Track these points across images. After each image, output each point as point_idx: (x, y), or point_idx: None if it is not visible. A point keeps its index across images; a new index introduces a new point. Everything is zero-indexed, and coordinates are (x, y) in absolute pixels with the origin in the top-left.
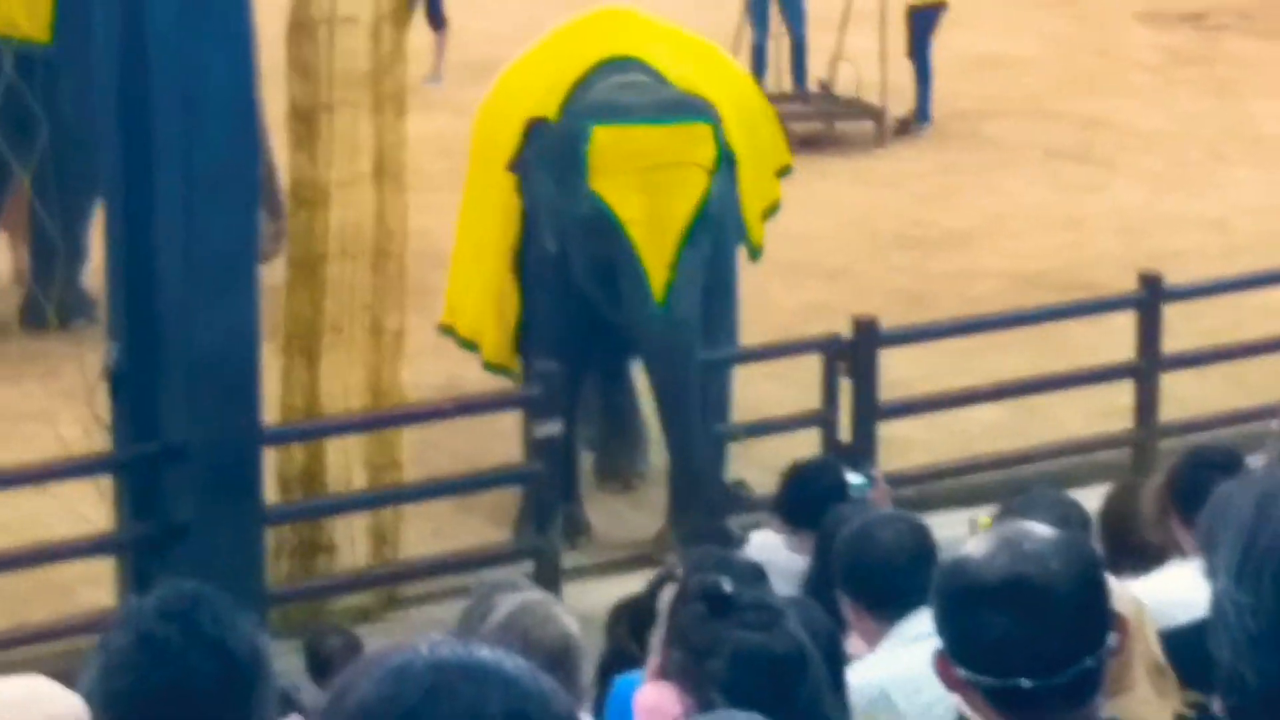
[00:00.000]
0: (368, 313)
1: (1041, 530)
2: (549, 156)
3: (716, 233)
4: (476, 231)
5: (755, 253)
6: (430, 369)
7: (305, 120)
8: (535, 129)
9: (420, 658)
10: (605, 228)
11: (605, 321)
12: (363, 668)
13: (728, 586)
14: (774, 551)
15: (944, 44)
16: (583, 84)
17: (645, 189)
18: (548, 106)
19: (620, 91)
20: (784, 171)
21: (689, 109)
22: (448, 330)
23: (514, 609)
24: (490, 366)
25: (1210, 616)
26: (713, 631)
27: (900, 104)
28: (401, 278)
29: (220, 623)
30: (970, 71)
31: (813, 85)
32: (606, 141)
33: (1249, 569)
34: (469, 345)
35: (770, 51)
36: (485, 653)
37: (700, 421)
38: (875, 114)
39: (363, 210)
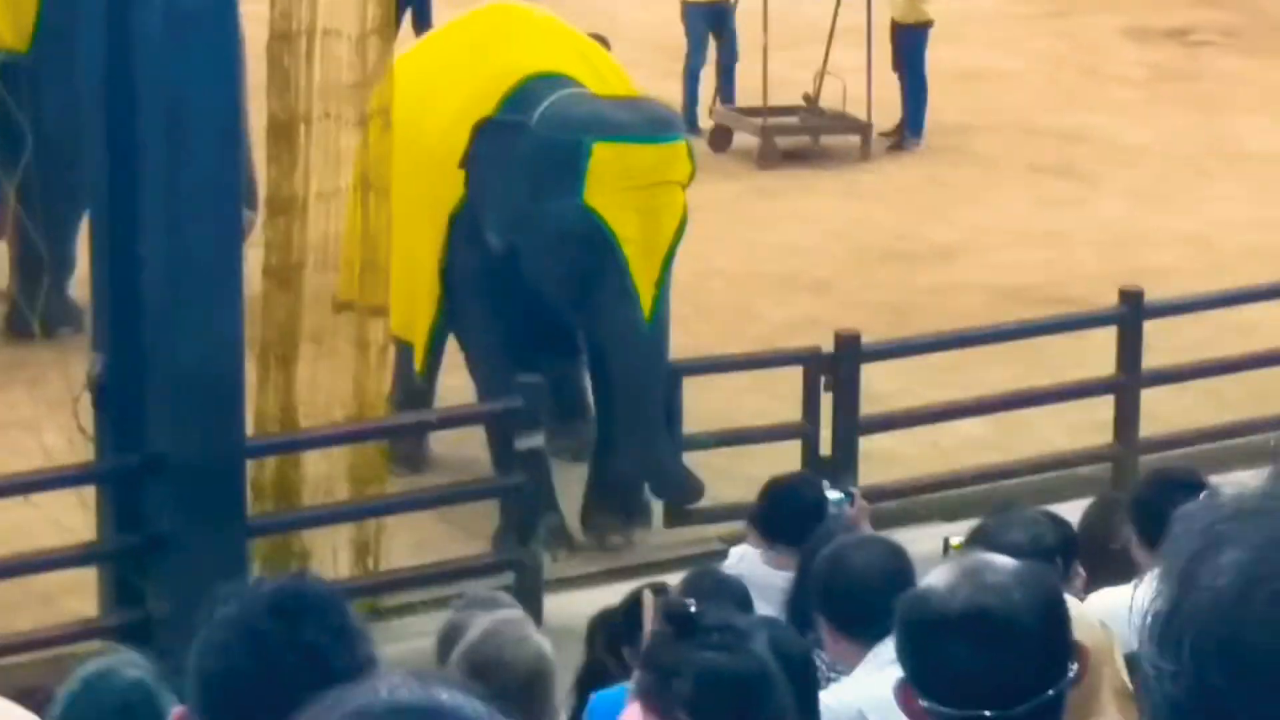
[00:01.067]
0: (351, 324)
1: (1004, 561)
2: (524, 163)
3: None
4: (408, 229)
5: None
6: None
7: (283, 133)
8: (487, 129)
9: (379, 700)
10: (597, 243)
11: (550, 324)
12: (322, 708)
13: (693, 607)
14: (752, 565)
15: (929, 59)
16: (521, 94)
17: (639, 208)
18: (483, 108)
19: (604, 106)
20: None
21: (672, 126)
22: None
23: (487, 629)
24: (422, 376)
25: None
26: (678, 652)
27: (885, 118)
28: (386, 290)
29: (328, 631)
30: (955, 86)
31: (799, 100)
32: (606, 158)
33: (1171, 635)
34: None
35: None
36: (444, 695)
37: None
38: (861, 128)
39: (344, 222)
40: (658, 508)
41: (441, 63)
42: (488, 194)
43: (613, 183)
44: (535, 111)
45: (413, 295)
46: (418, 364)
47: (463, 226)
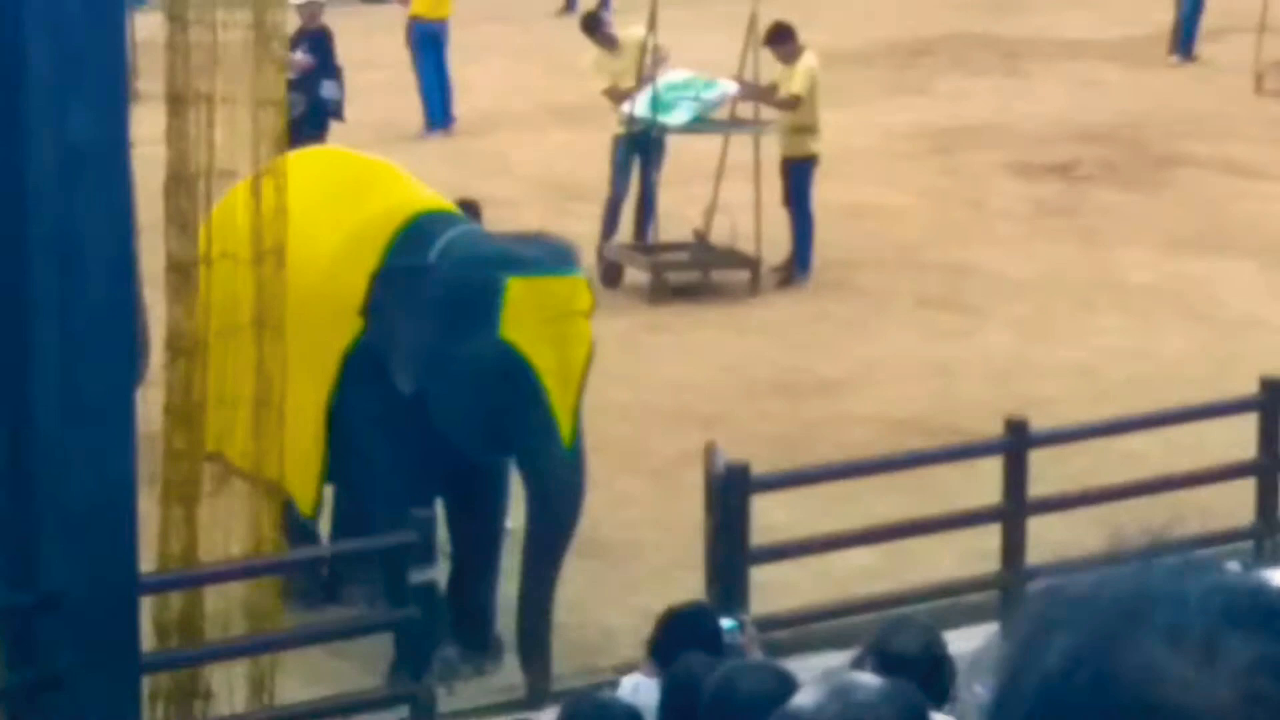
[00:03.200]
0: (247, 461)
1: (870, 679)
2: (434, 304)
3: None
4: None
5: None
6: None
7: (182, 273)
8: (388, 274)
9: None
10: (517, 376)
11: (446, 464)
12: None
13: None
14: (650, 694)
15: (817, 194)
16: (411, 233)
17: (552, 339)
18: (372, 248)
19: (507, 242)
20: None
21: (574, 259)
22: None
23: None
24: (309, 519)
25: None
26: None
27: (774, 253)
28: (280, 428)
29: None
30: (842, 222)
31: (689, 236)
32: (521, 293)
33: (1002, 716)
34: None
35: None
36: None
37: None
38: (750, 264)
39: (241, 361)
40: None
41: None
42: (397, 340)
43: (528, 316)
44: (433, 250)
45: (294, 439)
46: (306, 507)
47: (358, 369)
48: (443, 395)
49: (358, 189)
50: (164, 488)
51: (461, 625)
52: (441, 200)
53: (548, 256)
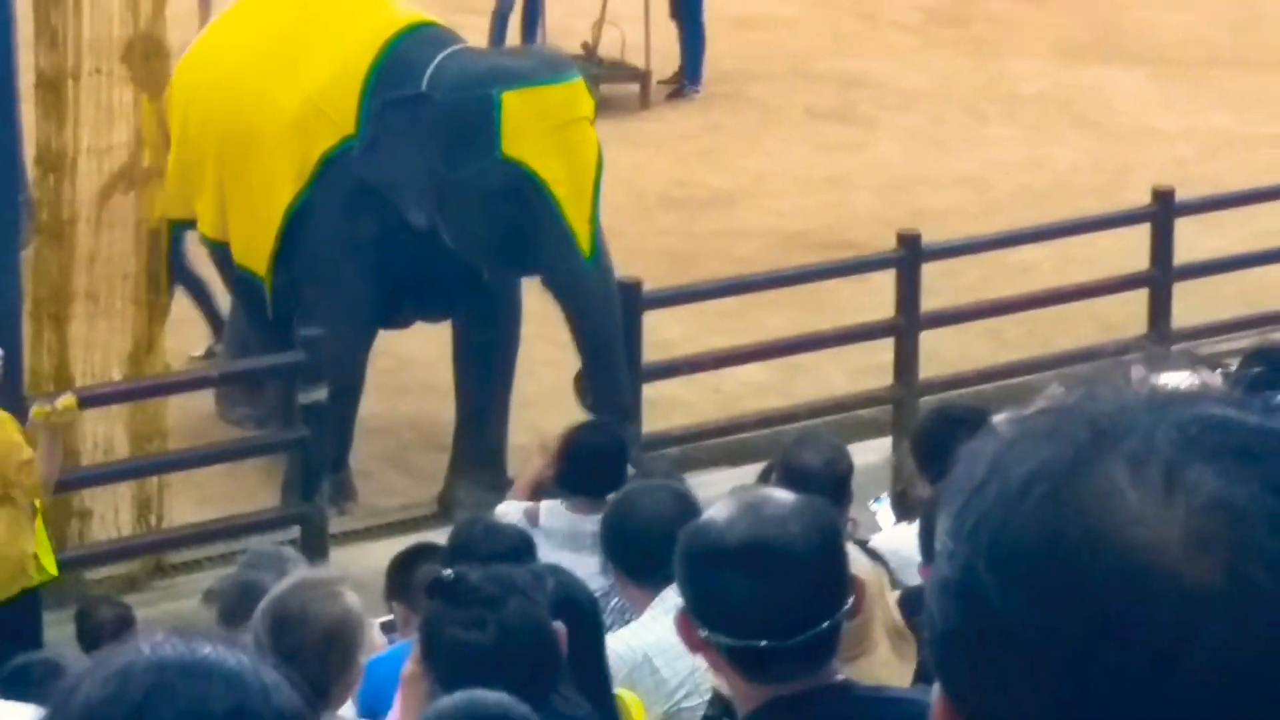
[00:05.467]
0: (128, 282)
1: (783, 495)
2: (433, 133)
3: None
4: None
5: None
6: (194, 335)
7: (52, 89)
8: (386, 109)
9: (142, 657)
10: (525, 192)
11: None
12: (88, 668)
13: (449, 575)
14: (557, 515)
15: (707, 5)
16: (396, 59)
17: (559, 149)
18: (350, 84)
19: (498, 57)
20: None
21: (568, 65)
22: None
23: (296, 583)
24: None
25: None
26: (436, 626)
27: (664, 66)
28: (163, 248)
29: None
30: (733, 32)
31: (577, 48)
32: (518, 106)
33: (960, 519)
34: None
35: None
36: (208, 649)
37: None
38: (640, 77)
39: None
40: None
41: (269, 39)
42: (402, 175)
43: (528, 129)
44: (424, 78)
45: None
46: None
47: (343, 200)
48: (456, 224)
49: (329, 12)
50: (33, 305)
51: (477, 463)
52: (418, 13)
53: (541, 66)
